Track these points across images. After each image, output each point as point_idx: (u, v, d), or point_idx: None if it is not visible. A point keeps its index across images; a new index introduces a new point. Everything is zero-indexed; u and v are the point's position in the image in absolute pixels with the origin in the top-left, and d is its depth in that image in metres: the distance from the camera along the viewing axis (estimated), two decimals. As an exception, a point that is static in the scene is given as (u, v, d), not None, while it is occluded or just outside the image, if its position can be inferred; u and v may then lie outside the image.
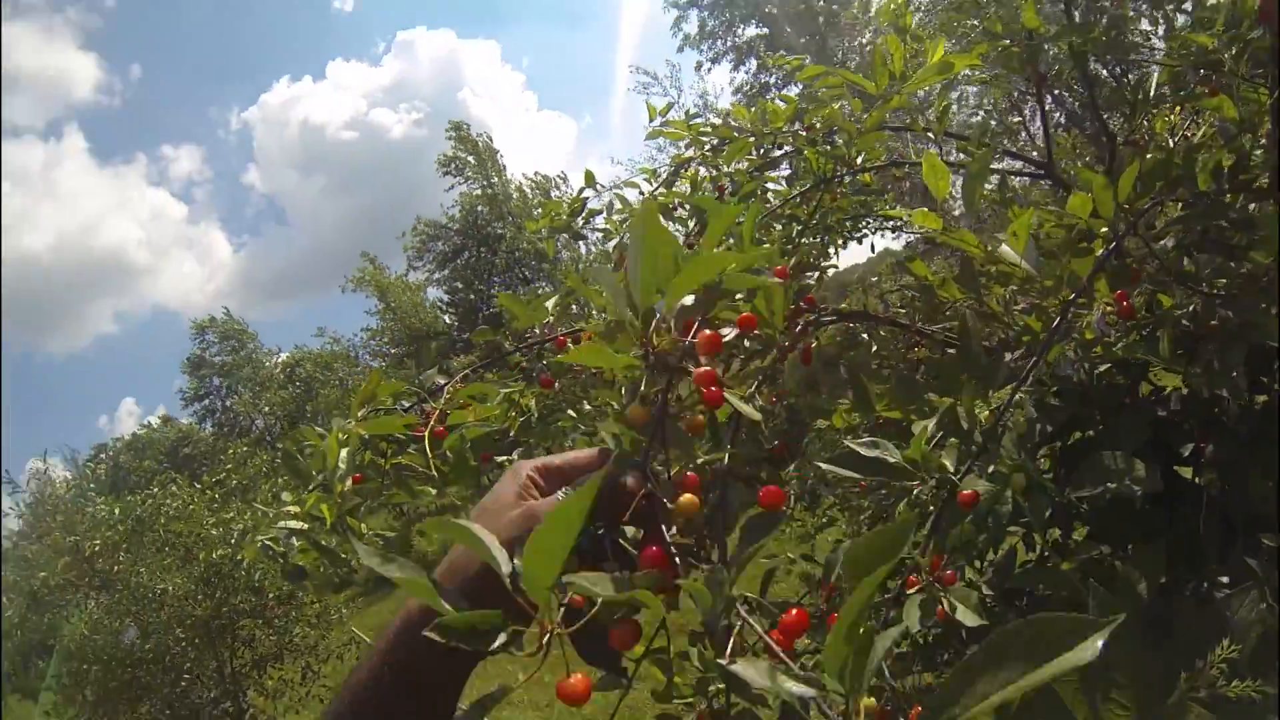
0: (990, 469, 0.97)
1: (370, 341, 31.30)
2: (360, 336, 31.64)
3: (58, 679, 8.16)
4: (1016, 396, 1.06)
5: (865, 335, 2.53)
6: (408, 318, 29.28)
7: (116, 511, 8.11)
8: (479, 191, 30.01)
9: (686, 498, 0.72)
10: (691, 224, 2.06)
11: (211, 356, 33.39)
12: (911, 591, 0.95)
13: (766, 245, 1.10)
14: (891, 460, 0.93)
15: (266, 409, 31.17)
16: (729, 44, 22.42)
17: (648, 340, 0.79)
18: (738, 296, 1.04)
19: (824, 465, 0.98)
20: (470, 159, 30.18)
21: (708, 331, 0.78)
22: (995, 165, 2.39)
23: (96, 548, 7.93)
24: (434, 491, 1.29)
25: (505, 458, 1.47)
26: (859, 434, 1.67)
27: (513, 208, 29.44)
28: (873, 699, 0.94)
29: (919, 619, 0.89)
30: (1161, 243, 1.39)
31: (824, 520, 3.02)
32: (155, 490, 8.33)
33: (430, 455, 1.24)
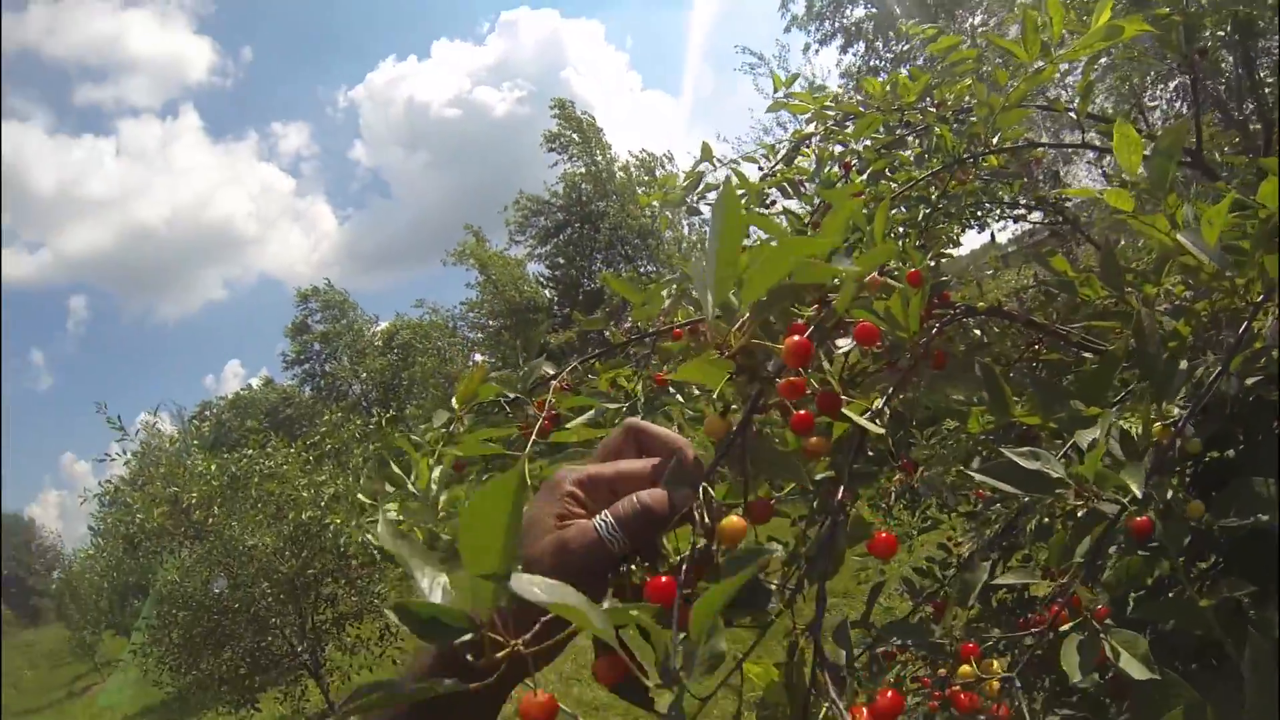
0: (1168, 495, 0.82)
1: (469, 314, 31.98)
2: (459, 308, 32.36)
3: (148, 620, 8.55)
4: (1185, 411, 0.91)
5: (979, 331, 2.35)
6: (507, 291, 29.77)
7: (213, 467, 8.39)
8: (583, 169, 30.18)
9: (730, 521, 0.60)
10: (817, 201, 1.92)
11: (314, 324, 34.51)
12: (1066, 628, 0.81)
13: (889, 242, 0.97)
14: (1055, 475, 0.80)
15: (364, 375, 32.14)
16: (837, 25, 21.86)
17: (724, 342, 0.68)
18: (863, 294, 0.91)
19: (976, 474, 0.85)
20: (574, 136, 30.36)
21: (795, 337, 0.65)
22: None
23: (193, 499, 8.24)
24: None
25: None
26: (994, 440, 1.52)
27: (616, 185, 29.58)
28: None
29: (1079, 665, 0.75)
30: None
31: (925, 523, 2.86)
32: (251, 451, 8.60)
33: (529, 480, 1.14)
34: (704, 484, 0.63)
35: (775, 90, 2.13)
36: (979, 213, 3.57)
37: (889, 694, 0.58)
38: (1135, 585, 0.92)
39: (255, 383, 36.89)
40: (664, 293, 1.33)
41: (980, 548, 1.40)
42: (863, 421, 0.74)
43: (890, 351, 1.22)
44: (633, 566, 0.63)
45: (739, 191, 2.15)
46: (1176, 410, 0.94)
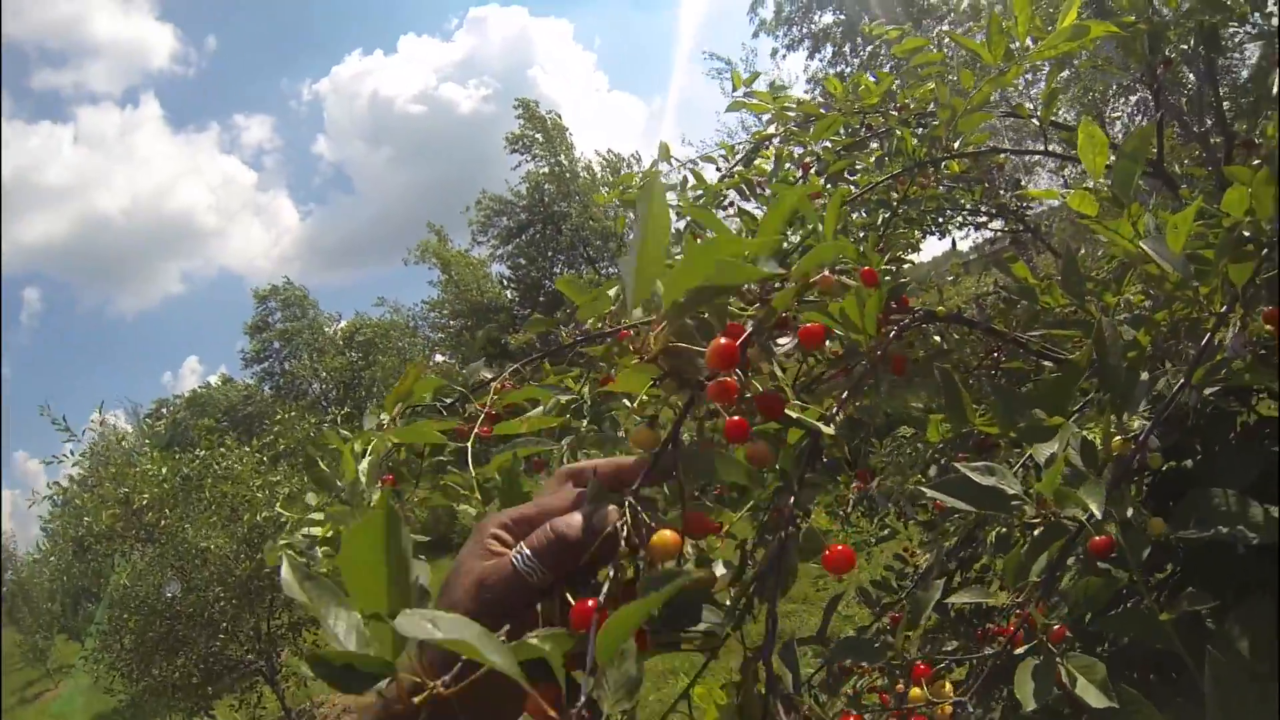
0: (1129, 513, 0.79)
1: (430, 313, 31.80)
2: (420, 307, 32.14)
3: (99, 625, 8.37)
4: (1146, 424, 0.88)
5: (939, 338, 2.33)
6: (469, 291, 29.65)
7: (164, 470, 8.21)
8: (546, 169, 30.12)
9: (662, 536, 0.56)
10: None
11: (273, 322, 34.05)
12: (1020, 651, 0.78)
13: (841, 239, 0.92)
14: (1011, 492, 0.76)
15: (324, 374, 31.77)
16: (805, 30, 21.98)
17: (642, 345, 0.64)
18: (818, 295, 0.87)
19: (930, 491, 0.81)
20: (538, 136, 30.28)
21: (721, 340, 0.61)
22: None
23: (144, 501, 8.05)
24: (474, 512, 1.13)
25: (554, 447, 1.31)
26: (948, 450, 1.49)
27: (580, 186, 29.56)
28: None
29: (1034, 692, 0.71)
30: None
31: (884, 531, 2.84)
32: (202, 452, 8.43)
33: (474, 471, 1.08)
34: (631, 500, 0.59)
35: (735, 89, 2.10)
36: (940, 219, 3.56)
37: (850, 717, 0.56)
38: (1096, 604, 0.88)
39: (214, 380, 36.32)
40: (612, 293, 1.28)
41: (937, 561, 1.36)
42: (813, 423, 0.70)
43: (845, 356, 1.18)
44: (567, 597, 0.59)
45: (695, 192, 2.11)
46: (1138, 423, 0.91)
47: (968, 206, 3.34)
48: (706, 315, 0.65)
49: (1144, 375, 0.98)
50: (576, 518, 0.58)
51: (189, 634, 7.84)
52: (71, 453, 8.73)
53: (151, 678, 7.84)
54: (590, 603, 0.52)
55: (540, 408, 1.09)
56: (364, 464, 1.13)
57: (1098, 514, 0.72)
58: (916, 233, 3.17)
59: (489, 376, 1.24)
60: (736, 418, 0.62)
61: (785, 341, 0.70)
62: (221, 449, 8.56)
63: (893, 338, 1.08)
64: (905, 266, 2.39)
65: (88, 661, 8.65)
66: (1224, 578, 1.14)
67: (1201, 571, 1.18)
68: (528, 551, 0.57)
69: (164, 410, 34.53)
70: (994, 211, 3.82)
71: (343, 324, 33.41)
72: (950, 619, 1.66)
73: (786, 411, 0.68)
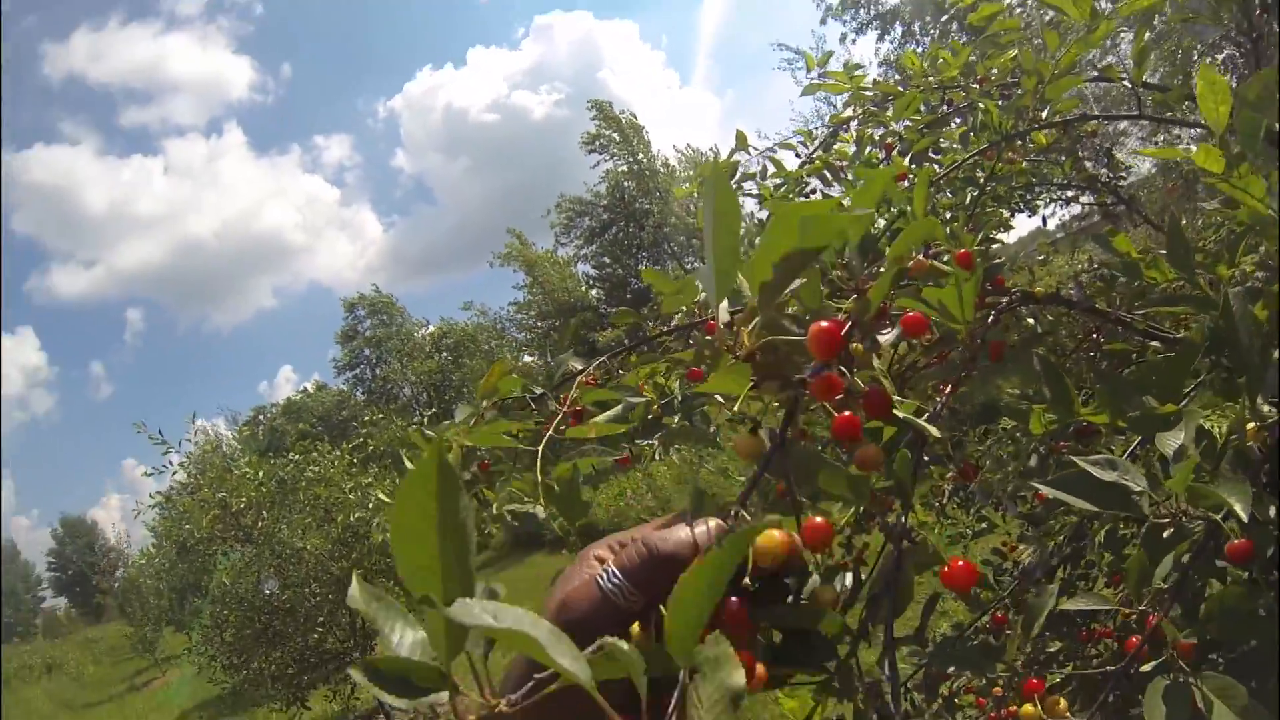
0: (1272, 513, 0.70)
1: (517, 315, 32.24)
2: (507, 310, 32.65)
3: (202, 620, 8.74)
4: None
5: (1032, 320, 2.22)
6: (555, 292, 29.96)
7: (260, 474, 8.48)
8: (625, 168, 30.20)
9: (769, 536, 0.50)
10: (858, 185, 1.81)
11: (362, 329, 34.99)
12: (1148, 668, 0.70)
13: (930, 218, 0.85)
14: (1137, 489, 0.68)
15: (414, 377, 32.52)
16: (873, 12, 21.43)
17: (735, 343, 0.58)
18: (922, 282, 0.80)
19: (1043, 488, 0.73)
20: (615, 135, 30.37)
21: (822, 324, 0.54)
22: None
23: (242, 504, 8.32)
24: (543, 514, 1.11)
25: (645, 442, 1.27)
26: (1052, 438, 1.40)
27: (660, 183, 29.57)
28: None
29: (1166, 716, 0.63)
30: None
31: (981, 524, 2.73)
32: (297, 456, 8.68)
33: (539, 476, 1.05)
34: (740, 510, 0.53)
35: (809, 71, 2.02)
36: (1029, 195, 3.41)
37: None
38: (1234, 617, 0.79)
39: (309, 386, 37.55)
40: (699, 282, 1.24)
41: (1043, 560, 1.27)
42: (919, 423, 0.63)
43: (940, 343, 1.11)
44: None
45: (775, 180, 2.05)
46: (1267, 408, 0.82)
47: (1057, 181, 3.18)
48: (799, 310, 0.59)
49: (1276, 354, 0.88)
50: (671, 531, 0.53)
51: (285, 628, 8.09)
52: (171, 464, 9.08)
53: (251, 669, 8.13)
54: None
55: (609, 412, 1.04)
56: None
57: (1243, 516, 0.63)
58: (1004, 211, 3.04)
59: (579, 368, 1.20)
60: (847, 414, 0.56)
61: (888, 334, 0.64)
62: (314, 453, 8.80)
63: (990, 323, 1.01)
64: (995, 247, 2.28)
65: (191, 653, 9.03)
66: None
67: None
68: (614, 570, 0.52)
69: (261, 418, 35.82)
70: (1084, 185, 3.63)
71: (431, 329, 34.13)
72: (1052, 617, 1.56)
73: (895, 412, 0.61)
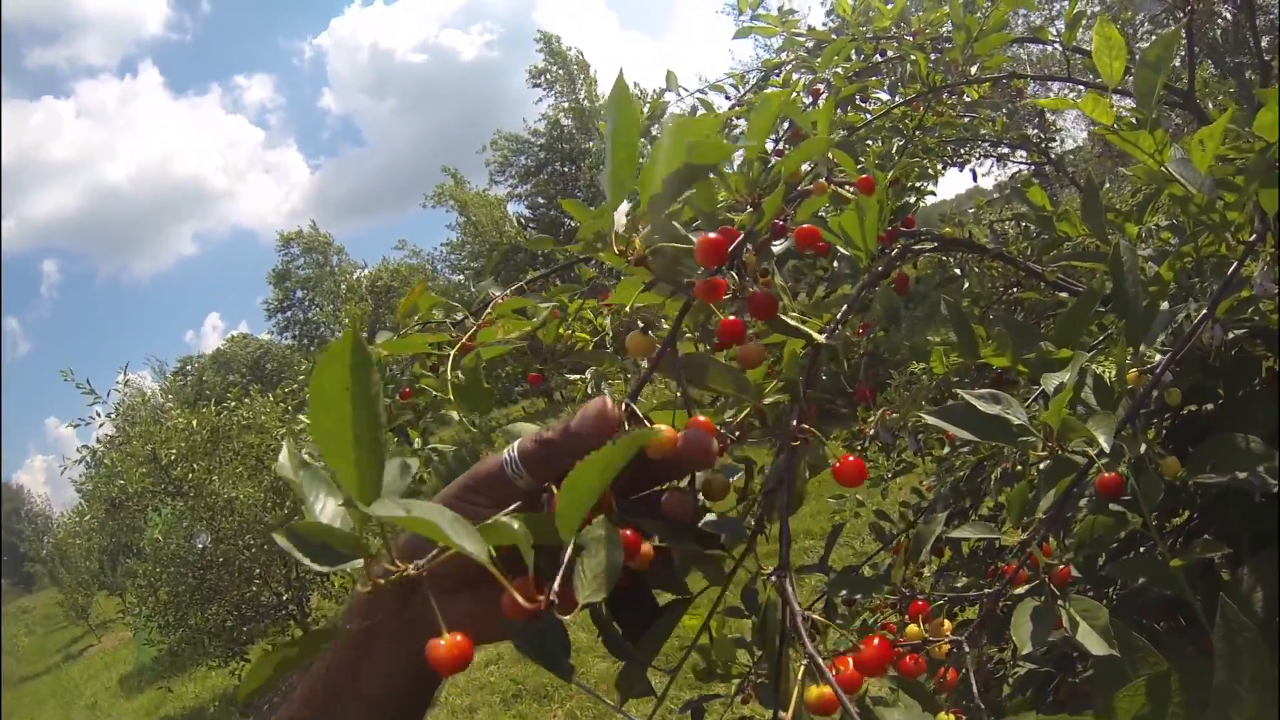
0: (1142, 450, 0.75)
1: (450, 255, 31.80)
2: (440, 250, 32.17)
3: (135, 580, 8.61)
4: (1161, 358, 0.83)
5: (959, 270, 2.27)
6: (488, 232, 29.56)
7: (194, 423, 8.32)
8: (566, 105, 29.79)
9: (655, 432, 0.52)
10: (785, 128, 1.82)
11: (295, 269, 34.25)
12: (1020, 590, 0.74)
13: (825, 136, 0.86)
14: (1016, 422, 0.72)
15: (346, 321, 31.98)
16: (815, -45, 21.37)
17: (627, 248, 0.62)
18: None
19: (929, 418, 0.77)
20: (560, 72, 29.90)
21: (710, 235, 0.58)
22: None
23: (172, 456, 8.16)
24: (456, 416, 1.14)
25: (578, 377, 1.30)
26: (963, 383, 1.45)
27: (600, 124, 29.38)
28: (949, 717, 0.76)
29: (1031, 634, 0.68)
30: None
31: (899, 465, 2.82)
32: (231, 403, 8.53)
33: (449, 376, 1.07)
34: (627, 403, 0.56)
35: (741, 13, 2.02)
36: (961, 150, 3.46)
37: (875, 641, 0.53)
38: (1103, 544, 0.84)
39: (234, 333, 36.84)
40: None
41: (942, 496, 1.33)
42: (808, 331, 0.66)
43: (845, 275, 1.14)
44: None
45: (701, 113, 2.05)
46: (1158, 357, 0.86)
47: (989, 138, 3.23)
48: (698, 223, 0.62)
49: (1164, 305, 0.92)
50: (563, 423, 0.56)
51: (221, 583, 8.02)
52: (99, 414, 8.83)
53: (188, 627, 8.05)
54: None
55: (516, 330, 1.07)
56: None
57: (1106, 447, 0.67)
58: (939, 164, 3.08)
59: (497, 294, 1.22)
60: (731, 316, 0.59)
61: (780, 244, 0.66)
62: (247, 399, 8.66)
63: (895, 257, 1.04)
64: (928, 199, 2.33)
65: (126, 615, 8.91)
66: (1241, 527, 1.09)
67: (1217, 520, 1.14)
68: (515, 454, 0.55)
69: (189, 368, 35.03)
70: (1016, 144, 3.70)
71: (367, 270, 33.58)
72: (964, 556, 1.64)
73: (782, 317, 0.65)
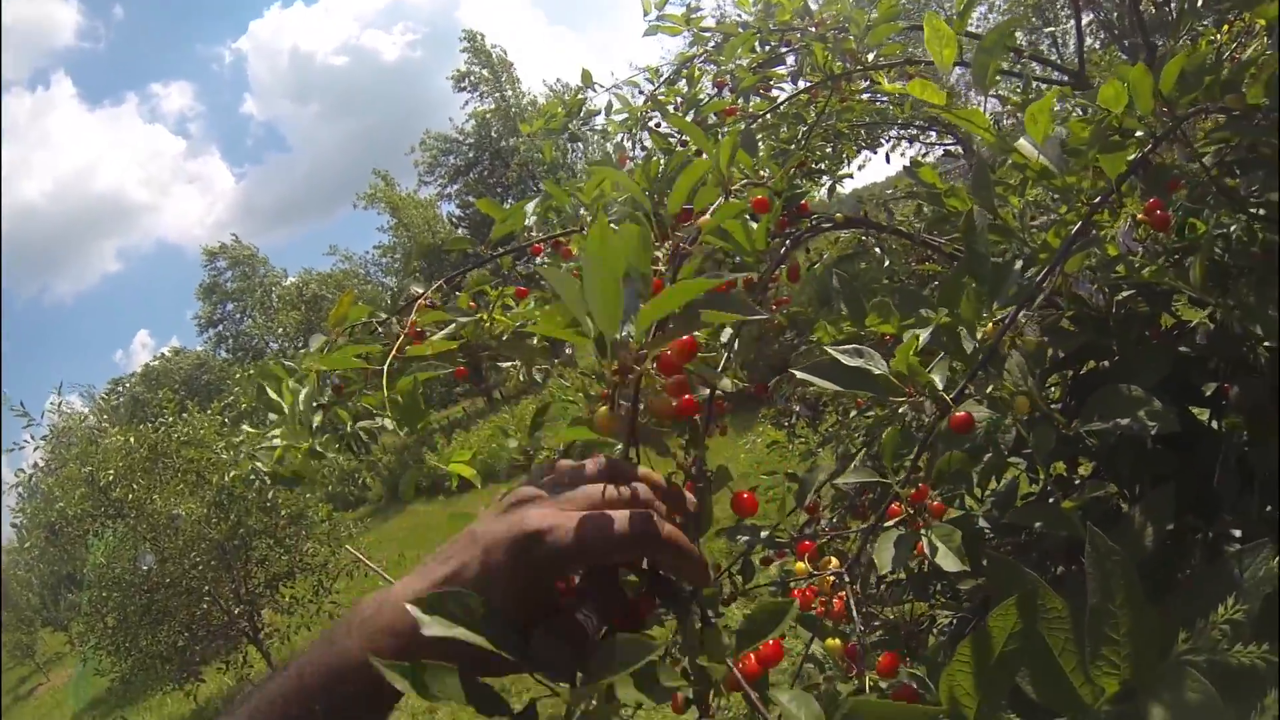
0: (989, 390, 0.85)
1: (382, 259, 31.48)
2: (372, 254, 31.84)
3: (80, 610, 8.41)
4: (1023, 313, 0.94)
5: (879, 249, 2.39)
6: (420, 234, 29.30)
7: (131, 440, 8.16)
8: (492, 105, 29.65)
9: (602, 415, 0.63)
10: (688, 118, 1.92)
11: (223, 283, 33.62)
12: (890, 524, 0.84)
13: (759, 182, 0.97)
14: (876, 372, 0.81)
15: (280, 330, 31.48)
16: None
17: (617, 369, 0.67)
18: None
19: (799, 373, 0.86)
20: (484, 73, 29.73)
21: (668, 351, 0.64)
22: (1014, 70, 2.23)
23: (110, 477, 8.00)
24: (391, 426, 1.21)
25: (509, 365, 1.37)
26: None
27: (523, 124, 29.27)
28: (836, 640, 0.85)
29: (892, 558, 0.79)
30: (1194, 164, 1.24)
31: (825, 436, 2.94)
32: (169, 419, 8.39)
33: (386, 392, 1.14)
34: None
35: (646, 14, 2.10)
36: (876, 136, 3.58)
37: (771, 642, 0.61)
38: (961, 480, 0.94)
39: (166, 351, 36.02)
40: (527, 207, 1.34)
41: (842, 454, 1.44)
42: (710, 377, 0.76)
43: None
44: None
45: (620, 115, 2.13)
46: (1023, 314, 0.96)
47: (898, 120, 3.37)
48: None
49: (1018, 265, 1.03)
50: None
51: (169, 603, 7.88)
52: (32, 438, 8.63)
53: (140, 650, 7.90)
54: None
55: (442, 331, 1.14)
56: (303, 394, 1.25)
57: (939, 385, 0.78)
58: (854, 148, 3.20)
59: (419, 292, 1.29)
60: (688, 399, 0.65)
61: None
62: (184, 414, 8.52)
63: (787, 248, 1.13)
64: (849, 186, 2.44)
65: (74, 646, 8.68)
66: (1134, 473, 1.19)
67: (1115, 467, 1.20)
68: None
69: (120, 389, 34.14)
70: (925, 124, 3.85)
71: (291, 280, 33.09)
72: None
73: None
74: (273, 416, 1.40)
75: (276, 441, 1.34)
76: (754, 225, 0.99)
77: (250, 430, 1.45)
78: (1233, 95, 1.12)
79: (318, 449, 1.30)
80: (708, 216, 0.86)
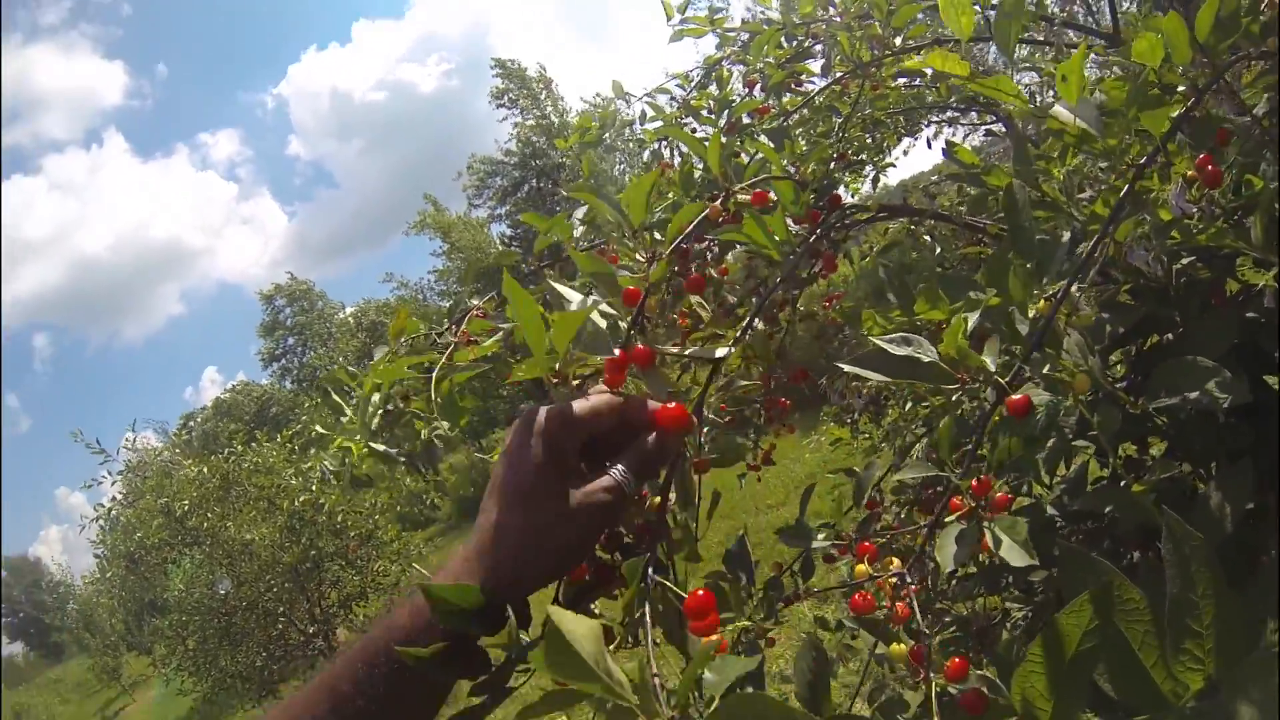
0: (1045, 370, 0.81)
1: (438, 283, 31.96)
2: (428, 279, 32.35)
3: (162, 634, 8.70)
4: (1076, 288, 0.89)
5: (929, 237, 2.34)
6: (472, 255, 29.69)
7: (204, 470, 8.40)
8: (532, 122, 29.92)
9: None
10: (721, 120, 1.91)
11: (283, 319, 34.51)
12: (951, 518, 0.81)
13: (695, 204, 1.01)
14: (925, 359, 0.79)
15: (341, 359, 32.15)
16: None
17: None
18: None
19: (845, 366, 0.84)
20: (522, 91, 30.03)
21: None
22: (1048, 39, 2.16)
23: (186, 506, 8.26)
24: (445, 426, 1.28)
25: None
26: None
27: (559, 140, 29.47)
28: (902, 645, 0.82)
29: (954, 555, 0.76)
30: (1245, 117, 1.17)
31: (888, 430, 2.89)
32: (239, 448, 8.62)
33: (434, 398, 1.20)
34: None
35: (669, 19, 2.09)
36: (915, 123, 3.51)
37: (699, 592, 0.63)
38: (1023, 467, 0.90)
39: (235, 384, 37.13)
40: (573, 219, 1.36)
41: (901, 449, 1.40)
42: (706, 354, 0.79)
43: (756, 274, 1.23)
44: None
45: (656, 122, 2.13)
46: (1076, 289, 0.92)
47: (937, 104, 3.29)
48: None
49: (1065, 237, 0.98)
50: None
51: (247, 625, 8.12)
52: (109, 474, 8.95)
53: (220, 670, 8.15)
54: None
55: (492, 338, 1.18)
56: (375, 397, 1.34)
57: (990, 367, 0.75)
58: (894, 136, 3.15)
59: (475, 304, 1.33)
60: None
61: None
62: (253, 444, 8.75)
63: (817, 237, 1.10)
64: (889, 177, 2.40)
65: (157, 668, 8.99)
66: (1208, 449, 1.13)
67: (1187, 444, 1.15)
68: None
69: (191, 424, 35.17)
70: (963, 106, 3.76)
71: (349, 310, 33.81)
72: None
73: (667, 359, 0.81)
74: (342, 419, 1.46)
75: (349, 443, 1.41)
76: (766, 219, 0.99)
77: (320, 430, 1.52)
78: (1275, 37, 1.07)
79: (378, 448, 1.37)
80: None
